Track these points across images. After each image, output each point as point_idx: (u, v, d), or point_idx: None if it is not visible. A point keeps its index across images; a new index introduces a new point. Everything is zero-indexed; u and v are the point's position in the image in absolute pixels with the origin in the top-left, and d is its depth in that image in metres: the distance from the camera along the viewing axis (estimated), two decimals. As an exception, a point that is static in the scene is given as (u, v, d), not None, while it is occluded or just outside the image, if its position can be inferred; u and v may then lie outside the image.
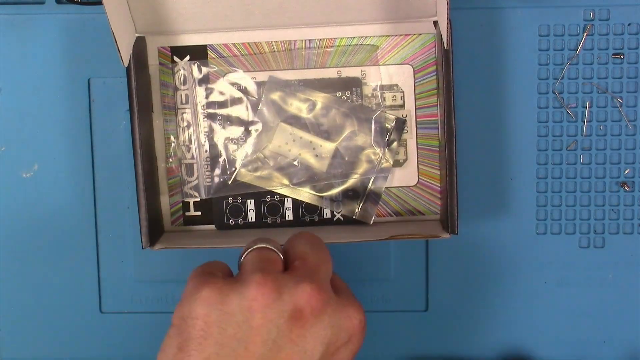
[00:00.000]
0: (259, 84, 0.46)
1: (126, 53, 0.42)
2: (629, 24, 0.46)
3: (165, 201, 0.47)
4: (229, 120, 0.46)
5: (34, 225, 0.48)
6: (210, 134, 0.47)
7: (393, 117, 0.46)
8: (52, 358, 0.49)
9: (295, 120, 0.46)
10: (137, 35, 0.44)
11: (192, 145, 0.47)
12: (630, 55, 0.46)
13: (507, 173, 0.47)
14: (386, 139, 0.46)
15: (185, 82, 0.46)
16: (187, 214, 0.47)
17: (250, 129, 0.46)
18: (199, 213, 0.47)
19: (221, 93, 0.46)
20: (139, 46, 0.44)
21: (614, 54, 0.46)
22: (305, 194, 0.47)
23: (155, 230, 0.45)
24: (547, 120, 0.47)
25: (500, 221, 0.47)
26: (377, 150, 0.46)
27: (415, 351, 0.49)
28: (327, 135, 0.46)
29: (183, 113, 0.47)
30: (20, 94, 0.47)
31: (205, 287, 0.34)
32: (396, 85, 0.46)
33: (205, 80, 0.46)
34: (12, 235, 0.48)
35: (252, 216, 0.47)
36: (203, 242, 0.45)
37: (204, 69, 0.46)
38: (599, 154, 0.47)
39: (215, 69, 0.46)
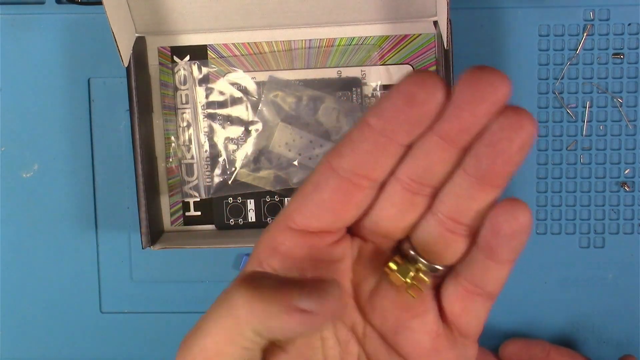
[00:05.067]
0: (259, 84, 0.46)
1: (126, 53, 0.42)
2: (629, 24, 0.46)
3: (165, 201, 0.47)
4: (229, 120, 0.46)
5: (34, 225, 0.48)
6: (210, 134, 0.47)
7: (393, 117, 0.46)
8: (52, 358, 0.49)
9: (295, 120, 0.46)
10: (137, 35, 0.44)
11: (192, 145, 0.47)
12: (630, 55, 0.46)
13: (507, 173, 0.47)
14: (386, 139, 0.46)
15: (185, 82, 0.46)
16: (187, 214, 0.47)
17: (250, 129, 0.46)
18: (199, 213, 0.47)
19: (221, 93, 0.46)
20: (139, 46, 0.44)
21: (614, 54, 0.46)
22: (305, 194, 0.47)
23: (155, 230, 0.45)
24: (547, 120, 0.47)
25: (500, 221, 0.47)
26: (377, 150, 0.46)
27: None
28: (327, 135, 0.46)
29: (183, 113, 0.47)
30: (20, 94, 0.47)
31: None
32: (396, 85, 0.46)
33: (205, 80, 0.46)
34: (12, 235, 0.48)
35: (252, 216, 0.47)
36: (203, 242, 0.45)
37: (204, 69, 0.46)
38: (599, 154, 0.47)
39: (215, 69, 0.46)
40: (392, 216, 0.28)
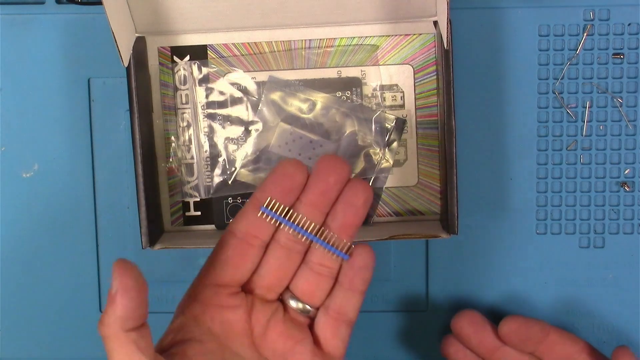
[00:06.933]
0: (259, 84, 0.46)
1: (126, 53, 0.42)
2: (629, 24, 0.46)
3: (165, 201, 0.47)
4: (229, 120, 0.46)
5: (34, 225, 0.48)
6: (210, 134, 0.47)
7: (393, 117, 0.46)
8: (52, 358, 0.49)
9: (295, 120, 0.46)
10: (137, 35, 0.44)
11: (192, 145, 0.47)
12: (630, 55, 0.46)
13: (507, 173, 0.47)
14: (386, 139, 0.46)
15: (185, 82, 0.46)
16: (187, 214, 0.47)
17: (250, 128, 0.46)
18: (199, 213, 0.47)
19: (221, 93, 0.46)
20: (139, 46, 0.44)
21: (614, 54, 0.46)
22: (305, 194, 0.47)
23: (155, 230, 0.45)
24: (547, 120, 0.47)
25: (500, 221, 0.47)
26: (377, 150, 0.46)
27: (415, 351, 0.49)
28: (327, 135, 0.46)
29: (183, 113, 0.47)
30: (20, 94, 0.47)
31: None
32: (396, 85, 0.46)
33: (205, 80, 0.46)
34: (12, 235, 0.48)
35: (252, 216, 0.47)
36: (203, 242, 0.45)
37: (204, 69, 0.46)
38: (599, 154, 0.47)
39: (215, 69, 0.46)
40: (275, 270, 0.39)
